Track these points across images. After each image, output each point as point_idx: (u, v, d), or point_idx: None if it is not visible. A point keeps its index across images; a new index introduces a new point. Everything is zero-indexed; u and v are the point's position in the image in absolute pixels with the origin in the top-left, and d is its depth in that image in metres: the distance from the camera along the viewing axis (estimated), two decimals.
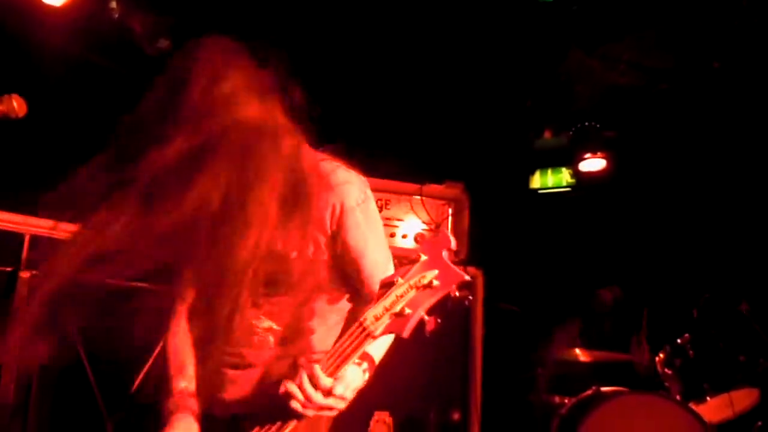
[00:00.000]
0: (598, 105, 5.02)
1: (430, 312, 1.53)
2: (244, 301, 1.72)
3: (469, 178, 3.81)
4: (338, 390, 1.59)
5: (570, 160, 5.43)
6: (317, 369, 1.57)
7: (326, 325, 1.88)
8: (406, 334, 1.51)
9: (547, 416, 4.08)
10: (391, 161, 3.75)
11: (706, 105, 4.56)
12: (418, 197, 3.53)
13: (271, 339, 1.83)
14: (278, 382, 1.66)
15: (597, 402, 3.72)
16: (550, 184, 5.79)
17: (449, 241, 1.53)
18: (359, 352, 1.57)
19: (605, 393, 3.86)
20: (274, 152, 1.66)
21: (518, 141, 5.56)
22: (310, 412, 1.60)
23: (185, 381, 1.83)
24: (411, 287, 1.52)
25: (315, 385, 1.57)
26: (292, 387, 1.58)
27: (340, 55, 4.28)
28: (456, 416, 3.21)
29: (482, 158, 5.23)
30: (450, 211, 3.59)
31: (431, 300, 1.51)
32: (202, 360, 1.86)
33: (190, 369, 1.86)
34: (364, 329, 1.54)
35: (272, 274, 1.77)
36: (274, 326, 1.83)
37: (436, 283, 1.50)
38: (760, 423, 3.58)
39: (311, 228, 1.77)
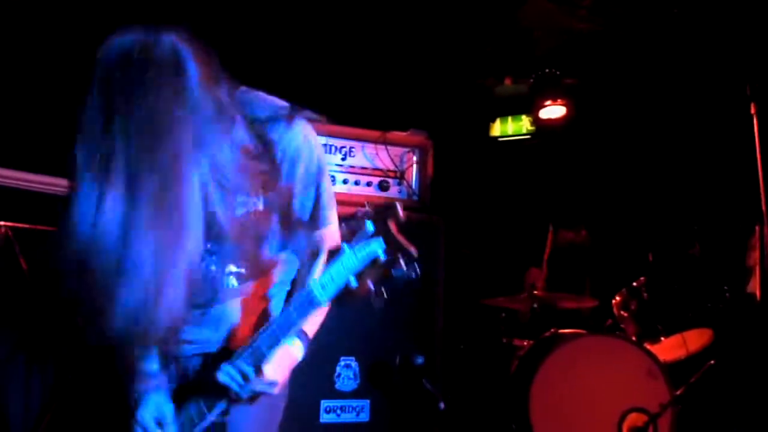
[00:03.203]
0: (558, 52, 5.02)
1: (376, 282, 1.51)
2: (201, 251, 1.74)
3: (429, 126, 3.80)
4: (269, 375, 1.70)
5: (530, 107, 5.44)
6: (241, 365, 1.67)
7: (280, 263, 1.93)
8: (352, 302, 1.54)
9: (508, 358, 4.17)
10: (354, 109, 3.71)
11: (664, 52, 4.59)
12: (382, 145, 3.51)
13: (234, 281, 1.84)
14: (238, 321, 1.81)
15: (555, 344, 3.81)
16: (510, 132, 5.80)
17: (398, 213, 1.49)
18: (305, 320, 1.63)
19: (563, 335, 3.96)
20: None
21: (479, 89, 5.55)
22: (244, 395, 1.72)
23: (150, 360, 1.85)
24: (357, 258, 1.49)
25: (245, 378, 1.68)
26: (224, 379, 1.69)
27: (303, 4, 4.19)
28: (420, 360, 3.26)
29: (442, 106, 5.21)
30: (414, 158, 3.58)
31: (377, 272, 1.49)
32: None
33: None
34: (311, 298, 1.56)
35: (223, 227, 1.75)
36: (234, 268, 1.83)
37: (382, 257, 1.47)
38: (713, 362, 3.70)
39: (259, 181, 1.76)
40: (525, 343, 4.17)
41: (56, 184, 2.80)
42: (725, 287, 3.79)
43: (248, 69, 1.86)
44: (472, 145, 5.70)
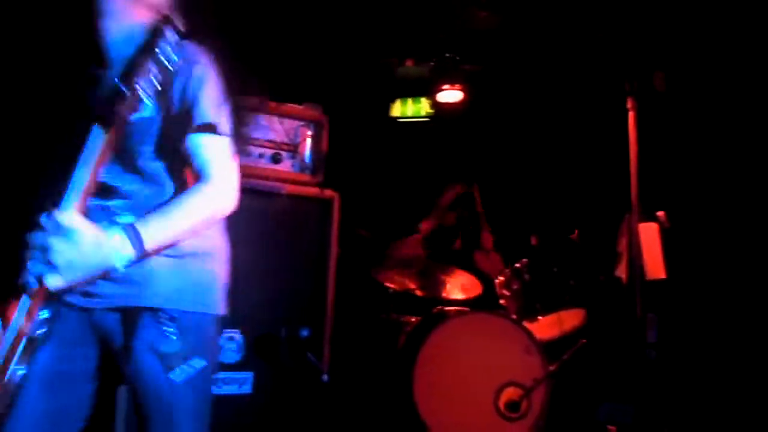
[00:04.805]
0: (461, 37, 5.10)
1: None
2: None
3: (328, 101, 3.80)
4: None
5: (429, 90, 5.52)
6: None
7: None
8: None
9: (395, 333, 4.27)
10: (249, 79, 3.65)
11: (554, 46, 4.75)
12: (276, 117, 3.49)
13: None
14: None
15: (440, 320, 3.94)
16: (409, 114, 5.86)
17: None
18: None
19: (448, 312, 4.10)
20: None
21: (381, 68, 5.57)
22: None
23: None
24: None
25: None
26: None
27: None
28: (305, 333, 3.29)
29: (343, 83, 5.21)
30: (309, 132, 3.59)
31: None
32: None
33: None
34: None
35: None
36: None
37: None
38: (584, 341, 3.93)
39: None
40: (412, 320, 4.28)
41: None
42: (598, 271, 4.01)
43: None
44: (372, 123, 5.74)
